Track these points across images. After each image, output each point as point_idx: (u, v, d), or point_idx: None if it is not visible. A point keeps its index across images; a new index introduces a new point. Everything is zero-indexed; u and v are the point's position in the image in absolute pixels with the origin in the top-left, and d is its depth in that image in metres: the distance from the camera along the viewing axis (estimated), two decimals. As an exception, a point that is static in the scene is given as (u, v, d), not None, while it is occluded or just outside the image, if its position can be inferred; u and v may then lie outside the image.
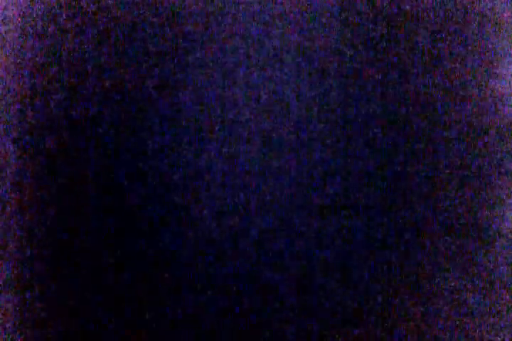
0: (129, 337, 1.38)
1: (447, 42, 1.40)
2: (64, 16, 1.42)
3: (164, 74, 1.39)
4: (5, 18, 1.43)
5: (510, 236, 1.40)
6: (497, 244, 1.40)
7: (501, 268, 1.39)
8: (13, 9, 1.43)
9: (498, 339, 1.39)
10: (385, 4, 1.40)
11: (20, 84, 1.42)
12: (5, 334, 1.41)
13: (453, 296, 1.38)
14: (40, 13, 1.42)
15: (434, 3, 1.41)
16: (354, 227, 1.37)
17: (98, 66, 1.41)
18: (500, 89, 1.41)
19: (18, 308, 1.41)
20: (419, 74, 1.40)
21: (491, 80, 1.41)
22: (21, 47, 1.43)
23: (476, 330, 1.39)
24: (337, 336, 1.37)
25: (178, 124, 1.39)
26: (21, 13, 1.43)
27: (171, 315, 1.38)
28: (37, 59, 1.42)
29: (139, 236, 1.38)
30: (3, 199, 1.42)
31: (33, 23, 1.42)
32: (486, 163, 1.40)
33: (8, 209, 1.42)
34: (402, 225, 1.38)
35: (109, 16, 1.41)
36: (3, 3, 1.44)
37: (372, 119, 1.39)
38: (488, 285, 1.39)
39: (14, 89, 1.43)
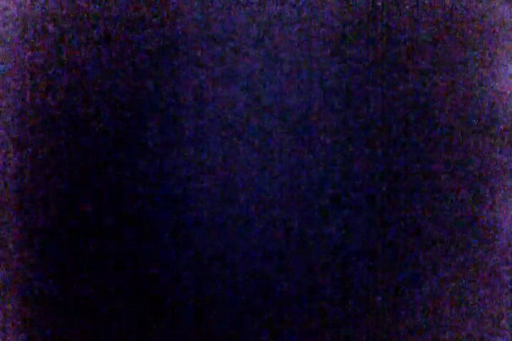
0: (129, 337, 1.38)
1: (447, 42, 1.40)
2: (64, 16, 1.42)
3: (164, 74, 1.39)
4: (5, 18, 1.43)
5: (510, 236, 1.40)
6: (497, 243, 1.39)
7: (501, 267, 1.39)
8: (13, 9, 1.43)
9: (498, 339, 1.39)
10: (385, 4, 1.40)
11: (20, 84, 1.42)
12: (5, 334, 1.41)
13: (453, 296, 1.38)
14: (40, 13, 1.42)
15: (434, 3, 1.41)
16: (354, 227, 1.37)
17: (98, 66, 1.41)
18: (500, 89, 1.41)
19: (18, 308, 1.41)
20: (419, 74, 1.40)
21: (491, 80, 1.41)
22: (21, 47, 1.43)
23: (476, 330, 1.39)
24: (337, 336, 1.37)
25: (178, 124, 1.39)
26: (21, 13, 1.43)
27: (170, 316, 1.38)
28: (37, 59, 1.42)
29: (139, 236, 1.38)
30: (3, 199, 1.42)
31: (33, 23, 1.43)
32: (486, 163, 1.40)
33: (8, 209, 1.42)
34: (402, 225, 1.38)
35: (109, 16, 1.41)
36: (3, 3, 1.44)
37: (372, 119, 1.39)
38: (488, 285, 1.39)
39: (14, 89, 1.43)
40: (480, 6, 1.41)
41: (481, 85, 1.41)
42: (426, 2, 1.41)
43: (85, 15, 1.41)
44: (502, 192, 1.40)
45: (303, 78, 1.39)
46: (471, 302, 1.38)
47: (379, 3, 1.39)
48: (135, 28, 1.40)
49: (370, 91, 1.39)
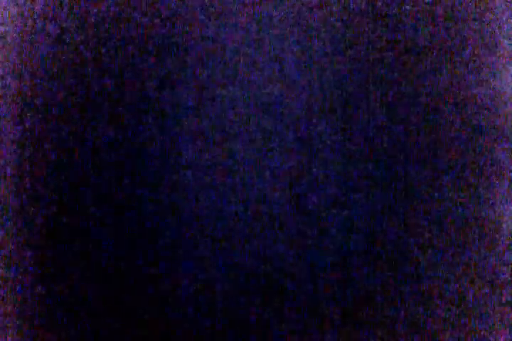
0: (129, 337, 1.38)
1: (447, 42, 1.40)
2: (64, 16, 1.42)
3: (164, 74, 1.40)
4: (5, 18, 1.43)
5: (510, 236, 1.40)
6: (497, 243, 1.40)
7: (501, 268, 1.39)
8: (13, 9, 1.43)
9: (498, 339, 1.39)
10: (385, 4, 1.40)
11: (20, 84, 1.43)
12: (5, 334, 1.41)
13: (453, 296, 1.38)
14: (40, 13, 1.42)
15: (434, 3, 1.41)
16: (354, 227, 1.38)
17: (98, 66, 1.41)
18: (500, 89, 1.41)
19: (18, 308, 1.41)
20: (419, 74, 1.40)
21: (491, 80, 1.41)
22: (21, 47, 1.43)
23: (476, 330, 1.39)
24: (337, 336, 1.37)
25: (178, 124, 1.39)
26: (21, 13, 1.43)
27: (169, 316, 1.38)
28: (37, 59, 1.42)
29: (139, 236, 1.38)
30: (3, 199, 1.42)
31: (33, 23, 1.43)
32: (486, 163, 1.40)
33: (8, 208, 1.42)
34: (402, 225, 1.38)
35: (109, 16, 1.41)
36: (3, 3, 1.44)
37: (372, 119, 1.39)
38: (488, 285, 1.39)
39: (14, 89, 1.43)
40: (480, 6, 1.41)
41: (481, 85, 1.41)
42: (426, 2, 1.41)
43: (85, 15, 1.41)
44: (502, 192, 1.40)
45: (303, 78, 1.39)
46: (471, 302, 1.38)
47: (379, 4, 1.40)
48: (135, 28, 1.40)
49: (370, 91, 1.39)
